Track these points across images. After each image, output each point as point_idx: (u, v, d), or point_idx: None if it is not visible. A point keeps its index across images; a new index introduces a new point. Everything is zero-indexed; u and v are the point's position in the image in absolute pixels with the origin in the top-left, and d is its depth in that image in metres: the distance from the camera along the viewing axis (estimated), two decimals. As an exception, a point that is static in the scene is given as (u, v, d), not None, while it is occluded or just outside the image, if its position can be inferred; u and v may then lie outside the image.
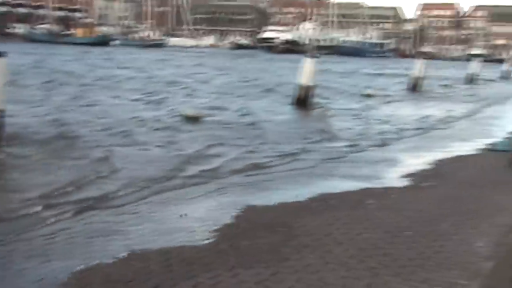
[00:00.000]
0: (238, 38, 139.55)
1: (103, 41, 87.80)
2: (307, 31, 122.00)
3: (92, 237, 6.74)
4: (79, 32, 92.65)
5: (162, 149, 12.16)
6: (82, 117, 15.82)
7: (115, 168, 10.12)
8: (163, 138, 13.45)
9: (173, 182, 9.44)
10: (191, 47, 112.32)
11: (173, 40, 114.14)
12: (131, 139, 13.08)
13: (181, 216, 7.62)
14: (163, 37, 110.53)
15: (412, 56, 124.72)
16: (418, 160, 12.02)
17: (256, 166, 10.93)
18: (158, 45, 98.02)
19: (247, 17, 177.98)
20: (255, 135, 14.43)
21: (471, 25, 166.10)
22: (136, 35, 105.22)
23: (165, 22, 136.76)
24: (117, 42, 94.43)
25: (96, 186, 8.93)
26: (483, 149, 13.65)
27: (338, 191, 9.14)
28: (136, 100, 21.03)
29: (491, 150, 13.39)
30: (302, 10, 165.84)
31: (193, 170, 10.32)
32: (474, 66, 44.17)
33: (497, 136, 15.96)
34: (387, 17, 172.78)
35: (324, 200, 8.54)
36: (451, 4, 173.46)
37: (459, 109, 23.93)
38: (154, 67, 42.34)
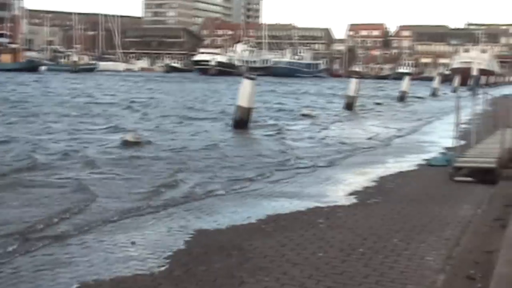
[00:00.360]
0: (172, 61, 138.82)
1: (31, 67, 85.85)
2: (239, 53, 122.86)
3: (39, 270, 6.49)
4: (4, 57, 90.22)
5: (101, 177, 11.85)
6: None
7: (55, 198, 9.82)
8: (101, 166, 13.15)
9: (121, 210, 9.23)
10: (124, 70, 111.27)
11: (104, 64, 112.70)
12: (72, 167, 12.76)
13: (132, 243, 7.46)
14: (93, 62, 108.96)
15: (343, 75, 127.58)
16: (361, 178, 12.21)
17: (203, 191, 10.81)
18: (89, 69, 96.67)
19: (179, 40, 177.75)
20: (197, 160, 14.26)
21: (398, 44, 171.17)
22: (65, 60, 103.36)
23: (96, 46, 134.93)
24: (44, 67, 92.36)
25: (41, 218, 8.61)
26: (422, 165, 13.99)
27: (287, 211, 9.16)
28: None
29: (430, 165, 13.73)
30: (234, 32, 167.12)
31: (139, 197, 10.13)
32: (405, 84, 45.41)
33: (433, 151, 16.40)
34: (318, 38, 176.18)
35: (275, 221, 8.54)
36: (379, 25, 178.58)
37: (394, 126, 24.51)
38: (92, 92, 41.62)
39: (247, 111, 21.47)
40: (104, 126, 21.02)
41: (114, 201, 9.78)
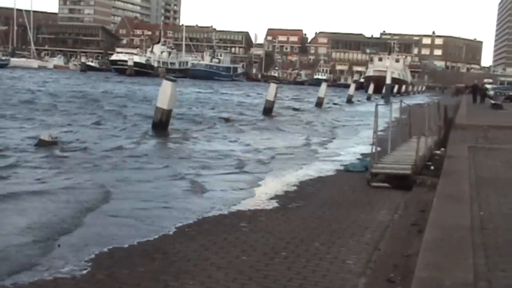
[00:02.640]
0: (88, 59, 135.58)
1: None
2: (158, 54, 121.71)
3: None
4: None
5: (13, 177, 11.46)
6: None
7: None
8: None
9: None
10: (38, 68, 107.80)
11: (15, 61, 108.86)
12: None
13: (58, 246, 7.27)
14: (5, 58, 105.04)
15: (260, 80, 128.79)
16: (281, 183, 12.35)
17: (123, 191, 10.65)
18: (0, 66, 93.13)
19: (96, 38, 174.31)
20: (111, 163, 13.92)
21: (315, 51, 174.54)
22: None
23: (8, 41, 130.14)
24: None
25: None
26: (340, 170, 14.30)
27: (210, 215, 9.16)
28: None
29: (347, 171, 14.06)
30: (152, 32, 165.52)
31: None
32: (322, 91, 46.29)
33: (350, 157, 16.79)
34: (238, 42, 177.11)
35: (198, 225, 8.53)
36: (297, 30, 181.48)
37: (311, 132, 24.92)
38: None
39: (167, 113, 21.29)
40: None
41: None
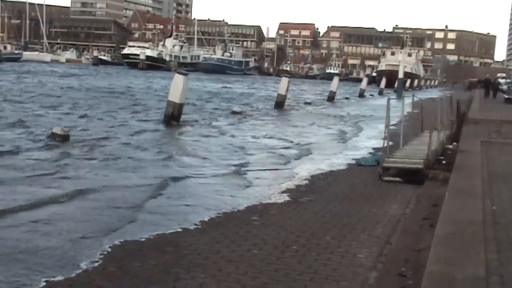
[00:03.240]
0: (100, 53, 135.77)
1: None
2: (170, 48, 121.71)
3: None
4: None
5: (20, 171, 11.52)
6: None
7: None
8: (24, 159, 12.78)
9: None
10: (50, 62, 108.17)
11: (28, 54, 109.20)
12: None
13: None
14: (18, 51, 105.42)
15: (273, 74, 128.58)
16: (292, 177, 12.34)
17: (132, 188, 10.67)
18: (13, 59, 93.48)
19: (108, 32, 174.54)
20: (124, 157, 13.93)
21: (327, 45, 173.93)
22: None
23: (21, 35, 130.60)
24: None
25: None
26: (351, 164, 14.27)
27: (221, 210, 9.16)
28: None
29: (359, 165, 14.03)
30: (164, 26, 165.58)
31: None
32: (334, 85, 46.14)
33: (363, 151, 16.75)
34: (249, 36, 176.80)
35: (209, 218, 8.55)
36: (309, 24, 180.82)
37: (323, 126, 24.86)
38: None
39: (179, 106, 21.33)
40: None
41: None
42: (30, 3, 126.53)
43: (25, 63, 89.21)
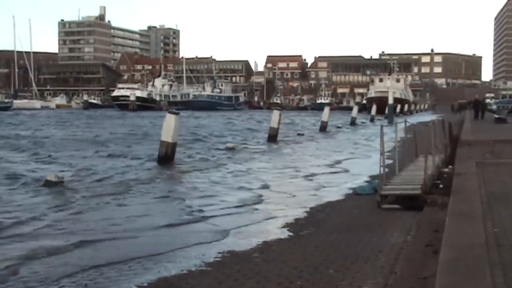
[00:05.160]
0: (91, 97, 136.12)
1: None
2: (159, 87, 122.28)
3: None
4: None
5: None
6: None
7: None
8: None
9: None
10: (41, 108, 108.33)
11: (18, 102, 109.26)
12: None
13: (85, 285, 7.27)
14: (8, 100, 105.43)
15: (263, 107, 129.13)
16: (290, 210, 12.27)
17: (132, 230, 10.56)
18: (3, 108, 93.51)
19: (97, 75, 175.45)
20: (118, 203, 13.82)
21: (315, 75, 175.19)
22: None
23: (10, 83, 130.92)
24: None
25: None
26: (349, 194, 14.23)
27: (221, 249, 9.05)
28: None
29: (356, 194, 13.98)
30: (152, 66, 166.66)
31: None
32: (326, 115, 46.32)
33: (359, 180, 16.72)
34: (238, 71, 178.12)
35: (211, 258, 8.44)
36: (297, 56, 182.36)
37: (319, 156, 24.86)
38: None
39: (172, 146, 21.28)
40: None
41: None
42: (17, 51, 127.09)
43: (16, 112, 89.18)
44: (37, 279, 7.59)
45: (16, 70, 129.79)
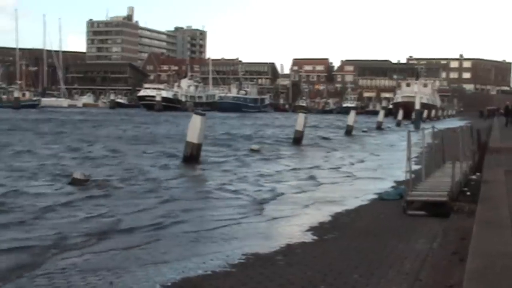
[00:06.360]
0: (117, 96, 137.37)
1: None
2: (185, 88, 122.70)
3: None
4: None
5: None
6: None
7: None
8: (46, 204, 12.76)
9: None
10: (68, 107, 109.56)
11: (47, 101, 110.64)
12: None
13: (110, 283, 7.30)
14: (36, 98, 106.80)
15: (288, 110, 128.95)
16: (316, 214, 12.21)
17: (155, 229, 10.59)
18: (31, 106, 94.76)
19: (124, 75, 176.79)
20: (144, 198, 13.88)
21: (342, 79, 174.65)
22: (6, 96, 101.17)
23: (39, 82, 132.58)
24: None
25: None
26: (374, 199, 14.12)
27: (245, 250, 9.04)
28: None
29: (382, 199, 13.87)
30: (179, 67, 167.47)
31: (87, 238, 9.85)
32: (351, 118, 46.10)
33: (384, 185, 16.58)
34: (264, 73, 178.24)
35: (234, 260, 8.43)
36: (323, 59, 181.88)
37: (342, 161, 24.72)
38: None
39: (197, 146, 21.36)
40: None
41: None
42: (47, 50, 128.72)
43: (44, 109, 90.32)
44: (62, 274, 7.65)
45: (45, 68, 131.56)
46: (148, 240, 9.70)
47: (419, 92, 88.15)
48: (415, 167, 14.69)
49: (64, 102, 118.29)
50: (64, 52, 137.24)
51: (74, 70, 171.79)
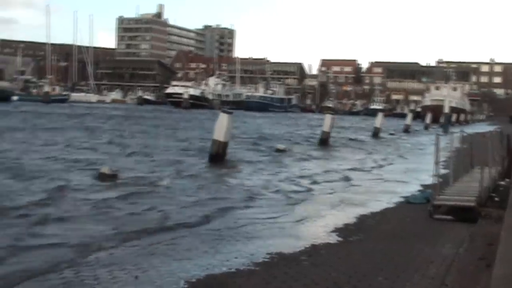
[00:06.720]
0: (145, 93, 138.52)
1: (3, 97, 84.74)
2: (212, 86, 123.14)
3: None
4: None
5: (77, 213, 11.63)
6: None
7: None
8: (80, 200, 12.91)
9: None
10: (97, 102, 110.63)
11: (76, 96, 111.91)
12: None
13: (136, 277, 7.38)
14: (65, 93, 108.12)
15: (315, 111, 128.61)
16: (341, 215, 12.17)
17: (180, 226, 10.64)
18: (61, 100, 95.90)
19: (152, 72, 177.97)
20: (172, 196, 13.96)
21: (370, 80, 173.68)
22: (37, 90, 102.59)
23: (68, 77, 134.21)
24: (16, 98, 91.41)
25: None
26: (401, 202, 14.02)
27: (270, 249, 9.04)
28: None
29: (408, 203, 13.77)
30: (207, 65, 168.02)
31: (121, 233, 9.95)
32: (379, 121, 45.81)
33: (411, 189, 16.44)
34: (291, 73, 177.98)
35: (259, 258, 8.44)
36: (351, 61, 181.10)
37: (369, 163, 24.58)
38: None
39: (223, 145, 21.40)
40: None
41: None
42: (77, 46, 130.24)
43: (73, 104, 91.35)
44: (89, 268, 7.75)
45: (75, 63, 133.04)
46: (173, 237, 9.76)
47: (448, 95, 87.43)
48: (442, 171, 14.55)
49: (93, 97, 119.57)
50: (94, 48, 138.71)
51: (103, 66, 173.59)
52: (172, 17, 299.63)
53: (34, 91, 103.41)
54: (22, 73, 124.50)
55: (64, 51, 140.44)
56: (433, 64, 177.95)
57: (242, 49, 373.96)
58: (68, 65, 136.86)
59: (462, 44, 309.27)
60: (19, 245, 8.76)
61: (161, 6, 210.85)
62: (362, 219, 11.78)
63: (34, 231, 9.71)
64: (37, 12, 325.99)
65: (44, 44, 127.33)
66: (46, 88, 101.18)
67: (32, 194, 13.02)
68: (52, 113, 57.34)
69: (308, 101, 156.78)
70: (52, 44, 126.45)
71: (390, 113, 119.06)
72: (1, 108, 56.26)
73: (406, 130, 55.91)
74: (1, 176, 15.38)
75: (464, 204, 11.65)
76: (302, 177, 18.75)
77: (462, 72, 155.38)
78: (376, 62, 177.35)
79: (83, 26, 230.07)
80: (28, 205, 11.69)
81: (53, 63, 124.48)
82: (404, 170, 22.42)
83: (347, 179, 18.80)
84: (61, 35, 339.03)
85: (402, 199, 14.39)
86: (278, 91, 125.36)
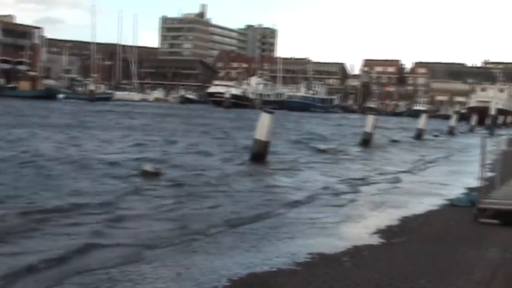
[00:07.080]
0: (187, 92, 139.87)
1: (49, 94, 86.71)
2: (254, 86, 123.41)
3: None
4: (23, 85, 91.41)
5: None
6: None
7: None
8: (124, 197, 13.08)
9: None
10: (139, 100, 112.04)
11: (120, 94, 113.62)
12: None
13: (179, 274, 7.45)
14: (109, 91, 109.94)
15: (357, 111, 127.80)
16: (384, 217, 12.04)
17: (228, 225, 10.69)
18: (105, 98, 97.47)
19: (194, 71, 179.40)
20: (214, 195, 14.01)
21: (413, 81, 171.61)
22: (82, 89, 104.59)
23: (112, 75, 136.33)
24: (62, 95, 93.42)
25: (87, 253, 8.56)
26: (445, 205, 13.80)
27: (311, 249, 9.00)
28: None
29: (453, 205, 13.54)
30: (248, 65, 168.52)
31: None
32: (422, 122, 45.20)
33: (456, 191, 16.17)
34: (333, 73, 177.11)
35: (300, 258, 8.41)
36: (394, 61, 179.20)
37: (412, 164, 24.29)
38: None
39: (265, 144, 21.41)
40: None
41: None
42: (121, 45, 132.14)
43: (117, 102, 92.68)
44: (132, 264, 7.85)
45: (119, 62, 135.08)
46: (215, 235, 9.81)
47: (495, 97, 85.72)
48: (489, 174, 14.26)
49: (136, 96, 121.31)
50: (137, 47, 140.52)
51: (146, 65, 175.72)
52: (215, 17, 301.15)
53: (79, 89, 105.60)
54: (68, 71, 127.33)
55: (109, 50, 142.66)
56: (479, 64, 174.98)
57: (284, 49, 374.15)
58: (112, 64, 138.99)
59: (509, 44, 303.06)
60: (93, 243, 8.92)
61: (203, 6, 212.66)
62: (405, 221, 11.62)
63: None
64: (83, 12, 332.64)
65: (89, 43, 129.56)
66: (91, 87, 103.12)
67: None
68: (101, 110, 58.33)
69: (350, 102, 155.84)
70: (97, 44, 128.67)
71: (434, 114, 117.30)
72: (52, 106, 57.49)
73: (451, 132, 55.00)
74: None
75: (511, 208, 11.39)
76: (342, 177, 18.64)
77: (510, 73, 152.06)
78: (420, 63, 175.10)
79: (127, 25, 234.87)
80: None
81: (98, 62, 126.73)
82: (449, 172, 22.06)
83: (389, 180, 18.61)
84: (106, 35, 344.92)
85: (446, 202, 14.15)
86: (319, 91, 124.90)
